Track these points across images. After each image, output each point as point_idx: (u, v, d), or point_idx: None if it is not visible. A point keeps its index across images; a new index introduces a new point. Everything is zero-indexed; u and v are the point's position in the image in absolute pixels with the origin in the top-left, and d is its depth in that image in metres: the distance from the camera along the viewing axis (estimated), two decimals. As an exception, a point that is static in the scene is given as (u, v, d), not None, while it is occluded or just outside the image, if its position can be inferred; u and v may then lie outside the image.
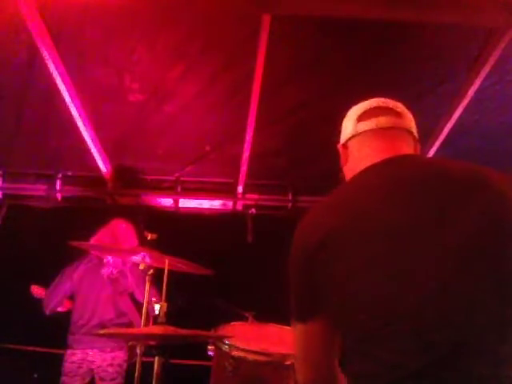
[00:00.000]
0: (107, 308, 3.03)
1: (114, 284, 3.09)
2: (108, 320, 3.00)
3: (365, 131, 1.23)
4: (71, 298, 3.15)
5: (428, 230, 0.97)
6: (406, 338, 0.92)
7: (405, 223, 0.99)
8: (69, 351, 2.99)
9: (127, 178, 3.68)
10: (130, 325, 3.06)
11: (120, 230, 3.23)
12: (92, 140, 3.30)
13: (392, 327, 0.94)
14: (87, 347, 2.95)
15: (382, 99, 1.28)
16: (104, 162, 3.54)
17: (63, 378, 2.92)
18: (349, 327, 1.03)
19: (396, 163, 1.13)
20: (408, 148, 1.21)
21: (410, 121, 1.26)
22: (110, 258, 3.10)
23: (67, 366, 2.94)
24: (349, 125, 1.28)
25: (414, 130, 1.26)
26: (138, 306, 3.08)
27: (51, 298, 3.07)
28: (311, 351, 1.14)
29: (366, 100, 1.30)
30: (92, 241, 3.15)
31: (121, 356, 2.98)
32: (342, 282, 1.02)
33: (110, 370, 2.93)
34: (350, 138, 1.27)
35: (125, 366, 2.98)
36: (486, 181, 1.02)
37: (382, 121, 1.22)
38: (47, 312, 3.07)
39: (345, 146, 1.29)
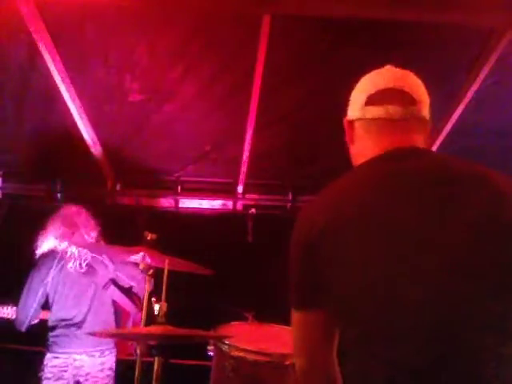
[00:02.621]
0: (93, 306, 2.80)
1: (93, 278, 2.84)
2: (93, 319, 2.78)
3: (373, 119, 1.14)
4: (44, 305, 2.86)
5: (428, 229, 0.97)
6: (405, 337, 0.92)
7: (405, 221, 0.99)
8: (49, 355, 2.72)
9: (128, 176, 3.67)
10: (120, 321, 2.88)
11: (78, 216, 2.99)
12: (92, 140, 3.30)
13: (392, 326, 0.94)
14: (73, 352, 2.70)
15: (399, 75, 1.16)
16: (104, 162, 3.54)
17: (45, 383, 2.66)
18: (347, 324, 1.03)
19: (400, 157, 1.10)
20: (418, 137, 1.13)
21: (425, 105, 1.15)
22: (74, 250, 2.85)
23: (48, 370, 2.68)
24: (357, 103, 1.17)
25: (428, 113, 1.17)
26: (133, 296, 2.93)
27: (26, 311, 2.76)
28: (308, 340, 1.14)
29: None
30: (49, 232, 2.91)
31: (111, 359, 2.80)
32: (341, 277, 1.02)
33: (100, 375, 2.73)
34: (356, 120, 1.18)
35: (114, 367, 2.80)
36: (487, 180, 1.01)
37: (394, 111, 1.11)
38: (23, 329, 2.77)
39: (351, 124, 1.21)
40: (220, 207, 3.83)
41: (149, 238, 2.30)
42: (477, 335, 0.90)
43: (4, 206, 3.74)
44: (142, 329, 2.27)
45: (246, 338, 2.16)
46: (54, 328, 2.78)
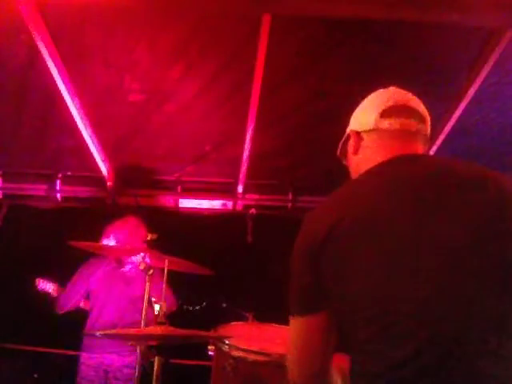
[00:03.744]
0: (129, 310, 2.97)
1: (133, 286, 3.03)
2: (130, 322, 2.93)
3: (387, 130, 1.19)
4: (87, 298, 3.12)
5: (430, 231, 0.98)
6: (408, 338, 0.92)
7: (409, 224, 1.00)
8: (85, 354, 2.95)
9: (128, 176, 3.67)
10: None
11: (141, 228, 3.16)
12: (92, 140, 3.30)
13: (394, 326, 0.94)
14: (104, 351, 2.91)
15: (406, 95, 1.23)
16: (104, 162, 3.55)
17: (80, 381, 2.90)
18: (351, 326, 1.03)
19: (404, 162, 1.13)
20: (421, 150, 1.20)
21: (429, 125, 1.23)
22: (133, 257, 3.02)
23: (83, 369, 2.91)
24: (369, 116, 1.22)
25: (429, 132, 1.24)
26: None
27: (69, 299, 3.04)
28: (308, 345, 1.14)
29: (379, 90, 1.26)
30: (109, 236, 3.09)
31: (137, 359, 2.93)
32: (346, 279, 1.02)
33: (126, 371, 2.90)
34: (367, 131, 1.22)
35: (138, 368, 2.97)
36: (488, 182, 1.02)
37: (408, 124, 1.18)
38: (61, 312, 3.05)
39: (359, 135, 1.24)
40: (220, 207, 3.82)
41: (149, 238, 2.30)
42: (477, 335, 0.90)
43: (4, 206, 3.74)
44: (142, 329, 2.27)
45: (246, 337, 2.16)
46: (89, 328, 2.98)
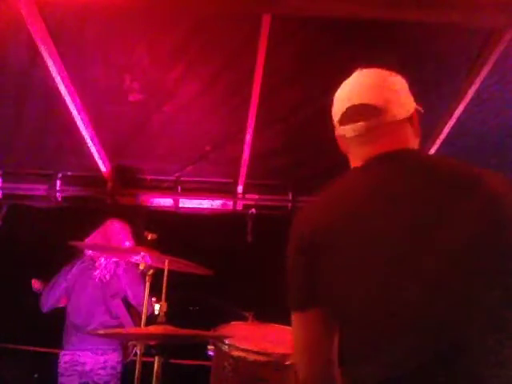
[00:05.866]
0: (99, 310, 3.00)
1: (106, 286, 3.05)
2: (100, 322, 2.96)
3: (348, 138, 1.17)
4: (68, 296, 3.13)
5: (423, 232, 0.97)
6: (405, 339, 0.92)
7: (399, 225, 0.99)
8: (62, 352, 2.97)
9: (127, 177, 3.68)
10: (120, 328, 3.02)
11: (113, 230, 3.21)
12: (92, 140, 3.30)
13: (394, 328, 0.94)
14: (77, 349, 2.91)
15: (364, 86, 1.17)
16: (104, 162, 3.54)
17: (60, 379, 2.90)
18: (346, 328, 1.03)
19: (390, 161, 1.10)
20: (398, 138, 1.13)
21: (391, 108, 1.12)
22: (102, 260, 3.06)
23: (61, 366, 2.93)
24: (335, 120, 1.21)
25: (403, 109, 1.14)
26: (130, 308, 3.08)
27: (48, 297, 3.07)
28: (309, 340, 1.14)
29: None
30: (86, 241, 3.15)
31: (113, 358, 2.93)
32: (338, 281, 1.02)
33: (103, 373, 2.88)
34: (339, 136, 1.21)
35: (119, 367, 2.95)
36: (480, 182, 1.01)
37: (361, 128, 1.14)
38: (44, 310, 3.08)
39: (340, 136, 1.22)
40: (220, 207, 3.82)
41: (149, 238, 2.30)
42: (476, 335, 0.90)
43: (4, 206, 3.74)
44: (142, 329, 2.27)
45: (246, 337, 2.16)
46: (66, 328, 3.03)
